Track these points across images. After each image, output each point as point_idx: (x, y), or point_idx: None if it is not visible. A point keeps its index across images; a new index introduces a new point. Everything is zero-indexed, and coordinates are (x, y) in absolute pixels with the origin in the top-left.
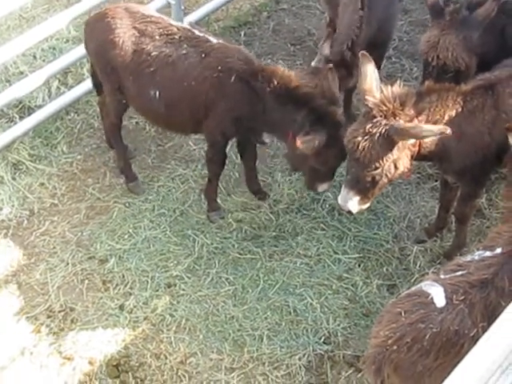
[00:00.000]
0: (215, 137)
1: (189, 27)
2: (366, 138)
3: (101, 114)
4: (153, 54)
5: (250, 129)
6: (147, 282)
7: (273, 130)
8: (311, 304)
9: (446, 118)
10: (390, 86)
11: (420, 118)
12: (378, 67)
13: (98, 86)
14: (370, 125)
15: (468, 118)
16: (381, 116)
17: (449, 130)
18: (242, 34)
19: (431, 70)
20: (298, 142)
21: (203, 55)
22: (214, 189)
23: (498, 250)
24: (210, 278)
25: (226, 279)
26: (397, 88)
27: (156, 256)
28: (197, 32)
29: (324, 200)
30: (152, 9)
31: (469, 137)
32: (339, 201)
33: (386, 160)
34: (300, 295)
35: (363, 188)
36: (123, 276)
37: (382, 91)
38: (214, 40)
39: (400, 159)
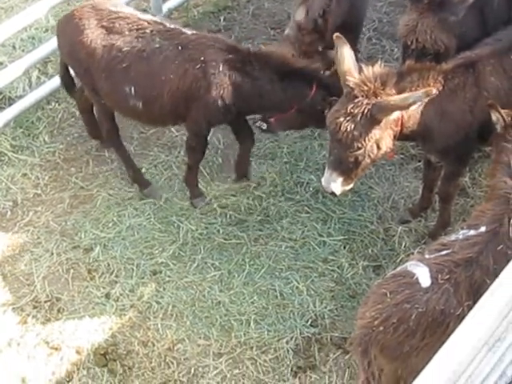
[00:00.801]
0: (200, 126)
1: (159, 20)
2: (347, 118)
3: (78, 107)
4: (124, 49)
5: (239, 113)
6: (132, 269)
7: (271, 109)
8: (297, 287)
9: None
10: (370, 66)
11: None
12: (354, 50)
13: (67, 84)
14: (352, 105)
15: (449, 96)
16: (362, 96)
17: (434, 91)
18: (222, 19)
19: (411, 53)
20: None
21: (180, 47)
22: (195, 175)
23: (482, 229)
24: (195, 263)
25: (212, 265)
26: (377, 68)
27: (141, 243)
28: (168, 25)
29: (307, 183)
30: (122, 3)
31: (451, 115)
32: (323, 182)
33: (369, 140)
34: (286, 279)
35: (346, 169)
36: (108, 264)
37: (362, 71)
38: (188, 31)
39: (382, 139)
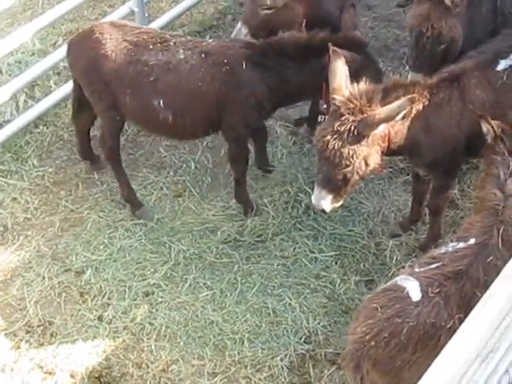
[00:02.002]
0: (238, 131)
1: (179, 34)
2: (335, 136)
3: (75, 127)
4: (150, 63)
5: (274, 108)
6: (125, 291)
7: (303, 94)
8: (290, 304)
9: (414, 111)
10: (356, 84)
11: None
12: None
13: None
14: (339, 123)
15: (435, 110)
16: (348, 113)
17: (417, 97)
18: (208, 37)
19: (425, 42)
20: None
21: (203, 55)
22: (245, 189)
23: (472, 241)
24: (187, 284)
25: (204, 284)
26: (363, 85)
27: (132, 265)
28: (188, 37)
29: (299, 200)
30: (116, 17)
31: (437, 129)
32: (313, 200)
33: (357, 157)
34: (278, 296)
35: (335, 186)
36: (100, 287)
37: (348, 89)
38: (208, 40)
39: (370, 155)
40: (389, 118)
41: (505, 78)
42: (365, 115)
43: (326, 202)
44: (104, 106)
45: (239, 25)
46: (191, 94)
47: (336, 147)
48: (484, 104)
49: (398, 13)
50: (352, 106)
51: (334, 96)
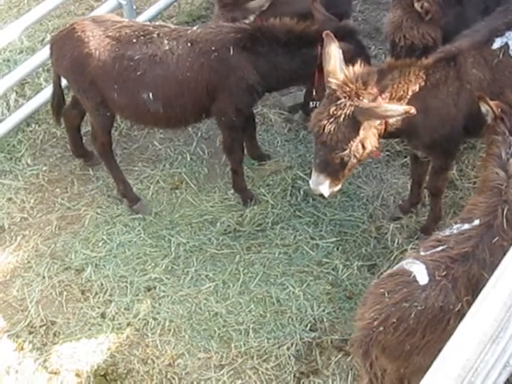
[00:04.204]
0: (230, 118)
1: (163, 23)
2: (331, 120)
3: (66, 125)
4: (136, 57)
5: (266, 91)
6: (126, 287)
7: (295, 80)
8: (294, 292)
9: (410, 93)
10: (351, 67)
11: (384, 96)
12: None
13: (59, 102)
14: (335, 107)
15: (432, 91)
16: (344, 97)
17: (413, 110)
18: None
19: (399, 51)
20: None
21: (189, 44)
22: (242, 179)
23: (476, 222)
24: (189, 276)
25: (206, 276)
26: (358, 68)
27: (133, 260)
28: (172, 26)
29: (297, 187)
30: (103, 11)
31: (435, 110)
32: (311, 185)
33: (353, 141)
34: (282, 285)
35: (333, 170)
36: (102, 284)
37: (343, 72)
38: (192, 27)
39: (367, 139)
40: (384, 117)
41: (501, 55)
42: (361, 98)
43: (324, 187)
44: (93, 103)
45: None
46: (180, 84)
47: (332, 131)
48: (481, 83)
49: None
50: (348, 89)
51: (330, 79)
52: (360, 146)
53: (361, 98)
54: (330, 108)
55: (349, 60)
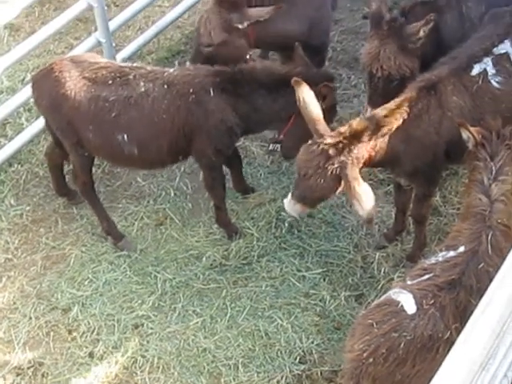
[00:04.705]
0: (210, 158)
1: (140, 65)
2: (318, 171)
3: (48, 163)
4: (111, 99)
5: (244, 133)
6: (114, 325)
7: (276, 121)
8: (282, 325)
9: (395, 127)
10: (348, 124)
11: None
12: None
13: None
14: (324, 161)
15: (415, 121)
16: (336, 154)
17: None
18: (176, 63)
19: (377, 81)
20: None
21: (166, 86)
22: (225, 214)
23: (461, 249)
24: (176, 312)
25: (194, 311)
26: (354, 122)
27: (119, 298)
28: (149, 68)
29: (282, 219)
30: (83, 49)
31: (417, 139)
32: (285, 206)
33: (336, 188)
34: (269, 318)
35: (311, 202)
36: (89, 323)
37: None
38: (169, 69)
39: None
40: (353, 195)
41: (480, 82)
42: (351, 152)
43: (298, 212)
44: (70, 143)
45: (188, 64)
46: (156, 127)
47: (318, 182)
48: (462, 110)
49: (365, 24)
50: (340, 146)
51: (317, 128)
52: (340, 189)
53: (352, 151)
54: (320, 161)
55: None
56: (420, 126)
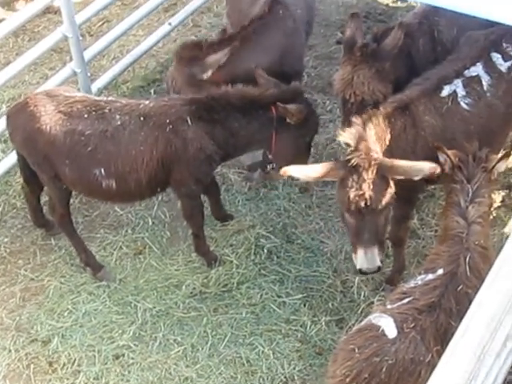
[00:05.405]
0: (190, 187)
1: (115, 98)
2: (369, 186)
3: (25, 196)
4: (87, 133)
5: (224, 159)
6: (94, 356)
7: (253, 144)
8: (263, 352)
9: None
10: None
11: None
12: None
13: (27, 177)
14: (364, 174)
15: (395, 139)
16: (365, 166)
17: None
18: (152, 91)
19: (350, 107)
20: (292, 114)
21: (142, 118)
22: (204, 242)
23: (440, 271)
24: (157, 342)
25: (174, 340)
26: (367, 133)
27: (99, 328)
28: (124, 101)
29: (261, 246)
30: (58, 80)
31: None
32: (365, 265)
33: (390, 193)
34: (251, 345)
35: (381, 235)
36: (69, 354)
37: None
38: (145, 101)
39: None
40: (410, 174)
41: (450, 103)
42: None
43: (379, 259)
44: (47, 177)
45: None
46: (134, 159)
47: (373, 195)
48: (434, 129)
49: (339, 49)
50: (366, 157)
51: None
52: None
53: (372, 161)
54: (359, 177)
55: (304, 120)
56: (399, 144)
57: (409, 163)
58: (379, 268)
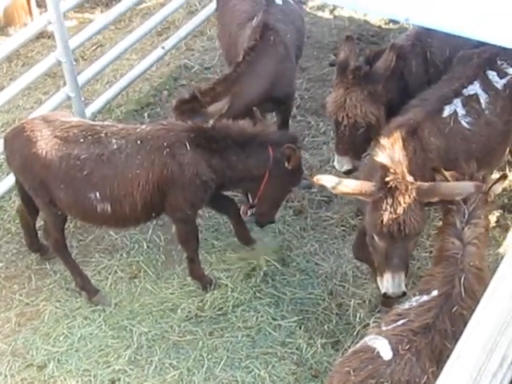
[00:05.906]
0: (185, 212)
1: (111, 123)
2: (410, 208)
3: (20, 221)
4: (82, 157)
5: (217, 188)
6: (90, 381)
7: (247, 179)
8: (259, 375)
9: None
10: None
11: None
12: (286, 122)
13: (25, 200)
14: (401, 197)
15: (410, 163)
16: (401, 189)
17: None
18: (146, 115)
19: (343, 129)
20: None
21: (139, 142)
22: (199, 266)
23: (435, 293)
24: (153, 366)
25: (170, 364)
26: (397, 154)
27: (95, 353)
28: (120, 125)
29: (257, 269)
30: (52, 104)
31: None
32: (391, 290)
33: (423, 219)
34: (247, 368)
35: (407, 260)
36: (65, 379)
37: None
38: (141, 125)
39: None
40: (450, 196)
41: (452, 123)
42: (416, 185)
43: (404, 283)
44: (43, 202)
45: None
46: (129, 183)
47: (412, 220)
48: (439, 151)
49: (332, 71)
50: (403, 181)
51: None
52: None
53: (408, 185)
54: (395, 201)
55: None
56: (411, 169)
57: (452, 184)
58: (404, 293)
